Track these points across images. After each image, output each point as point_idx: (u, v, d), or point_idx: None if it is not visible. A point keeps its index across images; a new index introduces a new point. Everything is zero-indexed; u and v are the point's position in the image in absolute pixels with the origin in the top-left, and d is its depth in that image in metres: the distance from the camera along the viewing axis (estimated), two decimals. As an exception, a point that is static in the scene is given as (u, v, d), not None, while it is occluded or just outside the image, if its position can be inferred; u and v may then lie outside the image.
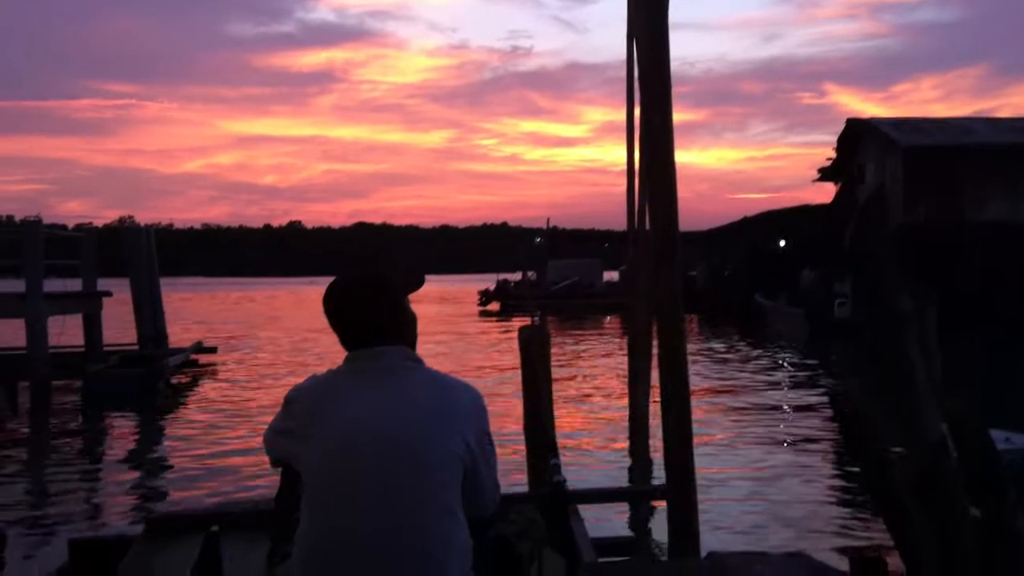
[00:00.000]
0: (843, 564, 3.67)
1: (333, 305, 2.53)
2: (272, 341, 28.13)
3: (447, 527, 2.31)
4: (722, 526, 7.19)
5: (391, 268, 2.68)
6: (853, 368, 18.95)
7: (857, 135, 33.21)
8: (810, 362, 21.01)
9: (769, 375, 18.45)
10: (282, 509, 2.57)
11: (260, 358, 22.79)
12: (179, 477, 9.69)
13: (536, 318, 7.39)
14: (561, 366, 17.50)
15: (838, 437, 10.29)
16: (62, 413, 14.46)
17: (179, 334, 23.62)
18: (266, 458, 2.56)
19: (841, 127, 34.14)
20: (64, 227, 23.61)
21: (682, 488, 5.21)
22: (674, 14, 5.35)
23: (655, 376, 6.51)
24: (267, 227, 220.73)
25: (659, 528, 6.65)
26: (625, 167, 10.18)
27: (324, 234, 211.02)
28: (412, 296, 2.64)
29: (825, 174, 37.30)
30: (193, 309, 48.15)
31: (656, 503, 7.19)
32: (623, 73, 10.13)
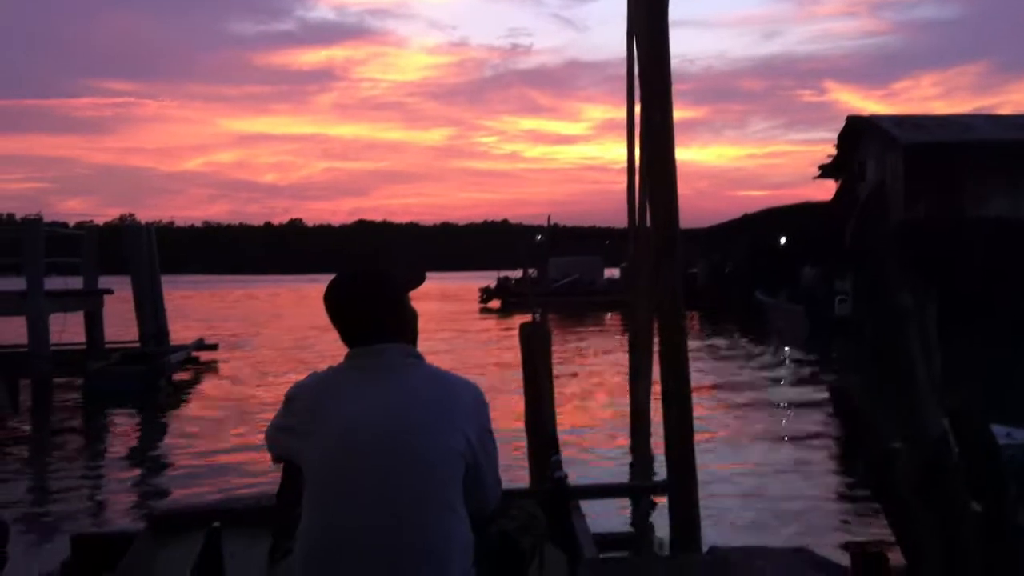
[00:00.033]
0: (844, 559, 3.68)
1: (334, 302, 2.54)
2: (273, 338, 28.15)
3: (448, 523, 2.32)
4: (723, 522, 7.19)
5: (392, 265, 2.68)
6: (854, 365, 18.95)
7: (858, 132, 33.18)
8: (811, 359, 21.02)
9: (770, 372, 18.46)
10: (283, 505, 2.58)
11: (261, 355, 22.80)
12: (180, 474, 9.70)
13: (537, 315, 7.36)
14: (562, 363, 17.51)
15: (839, 433, 10.31)
16: (63, 410, 14.48)
17: (180, 332, 23.61)
18: (267, 455, 2.57)
19: (841, 124, 34.11)
20: (65, 225, 23.66)
21: (683, 484, 5.21)
22: (674, 11, 5.35)
23: (656, 373, 6.52)
24: (268, 225, 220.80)
25: (660, 524, 6.66)
26: (625, 164, 10.19)
27: (325, 232, 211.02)
28: (413, 293, 2.65)
29: (826, 171, 37.26)
30: (194, 307, 48.17)
31: (657, 499, 7.19)
32: (623, 71, 10.14)
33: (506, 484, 2.65)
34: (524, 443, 6.95)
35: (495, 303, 46.96)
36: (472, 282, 59.38)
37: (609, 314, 38.32)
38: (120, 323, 21.84)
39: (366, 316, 2.49)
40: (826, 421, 11.64)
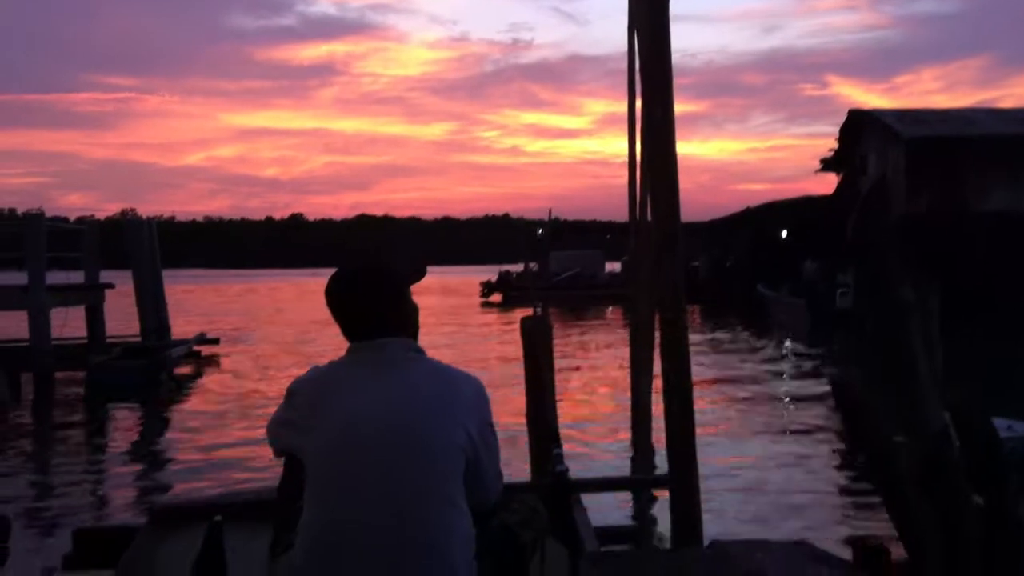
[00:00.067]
0: (846, 552, 3.69)
1: (335, 296, 2.54)
2: (275, 333, 28.17)
3: (449, 517, 2.32)
4: (724, 515, 7.20)
5: (393, 260, 2.68)
6: (855, 358, 18.96)
7: (859, 126, 33.16)
8: (812, 352, 21.03)
9: (771, 365, 18.47)
10: (285, 499, 2.57)
11: (263, 350, 22.82)
12: (182, 468, 9.72)
13: (538, 309, 7.34)
14: (563, 357, 17.52)
15: (841, 427, 10.31)
16: (65, 405, 14.50)
17: (182, 326, 23.61)
18: (269, 449, 2.57)
19: (843, 118, 34.10)
20: (66, 220, 23.68)
21: (684, 477, 5.22)
22: (675, 6, 5.33)
23: (658, 366, 6.52)
24: (269, 219, 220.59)
25: (662, 517, 6.67)
26: (627, 159, 10.18)
27: (326, 226, 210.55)
28: (414, 287, 2.64)
29: (827, 165, 37.27)
30: (195, 301, 48.18)
31: (658, 492, 7.20)
32: (624, 65, 10.12)
33: (507, 478, 2.65)
34: (525, 436, 6.95)
35: (496, 297, 46.97)
36: (473, 276, 59.36)
37: (610, 308, 38.32)
38: (121, 317, 21.86)
39: (367, 310, 2.49)
40: (827, 415, 11.65)
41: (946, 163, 27.93)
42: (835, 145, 35.88)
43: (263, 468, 8.87)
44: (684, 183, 5.44)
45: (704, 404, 12.05)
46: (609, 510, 6.95)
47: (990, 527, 2.51)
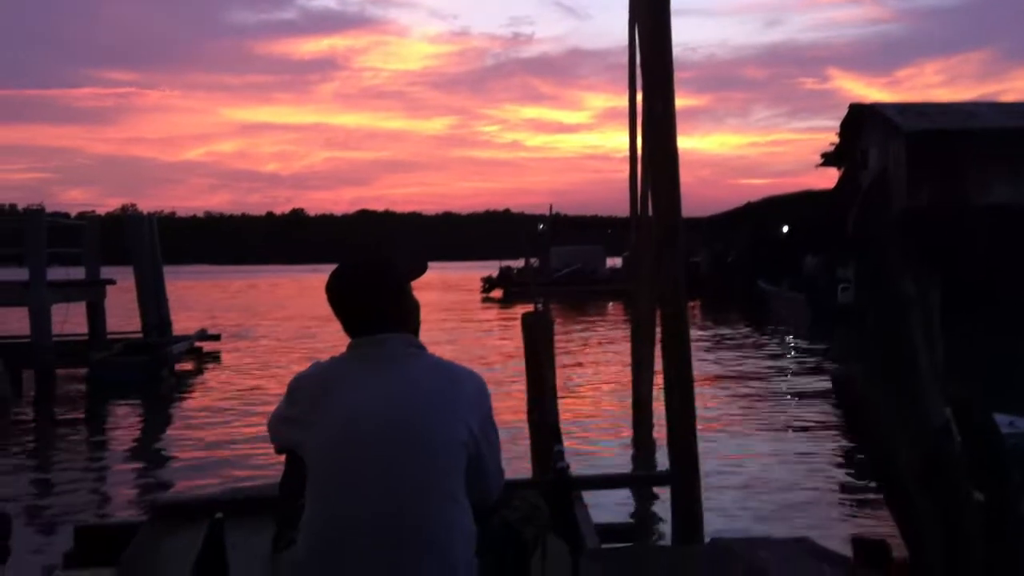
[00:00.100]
0: (847, 549, 3.68)
1: (336, 292, 2.54)
2: (275, 329, 28.17)
3: (450, 513, 2.32)
4: (725, 512, 7.20)
5: (394, 255, 2.68)
6: (856, 353, 18.91)
7: (860, 120, 33.10)
8: (813, 347, 21.02)
9: (772, 361, 18.46)
10: (286, 495, 2.57)
11: (264, 345, 22.83)
12: (183, 465, 9.72)
13: (539, 305, 7.34)
14: (565, 352, 17.51)
15: (841, 423, 10.30)
16: (66, 401, 14.51)
17: (183, 322, 23.63)
18: (270, 445, 2.57)
19: (844, 112, 34.00)
20: (66, 215, 23.66)
21: (685, 474, 5.22)
22: (676, 0, 5.33)
23: (659, 362, 6.52)
24: (269, 215, 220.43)
25: (663, 514, 6.67)
26: (627, 153, 10.17)
27: (326, 221, 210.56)
28: (415, 283, 2.64)
29: (828, 159, 37.20)
30: (196, 297, 48.19)
31: (659, 489, 7.20)
32: (625, 59, 10.11)
33: (508, 474, 2.65)
34: (526, 433, 6.95)
35: (497, 293, 46.97)
36: (474, 272, 59.42)
37: (611, 303, 38.33)
38: (122, 313, 21.87)
39: (368, 306, 2.49)
40: (828, 410, 11.64)
41: (947, 157, 27.89)
42: (836, 139, 35.81)
43: (265, 465, 8.87)
44: (685, 178, 5.44)
45: (705, 400, 12.05)
46: (610, 507, 6.95)
47: (991, 523, 2.51)
